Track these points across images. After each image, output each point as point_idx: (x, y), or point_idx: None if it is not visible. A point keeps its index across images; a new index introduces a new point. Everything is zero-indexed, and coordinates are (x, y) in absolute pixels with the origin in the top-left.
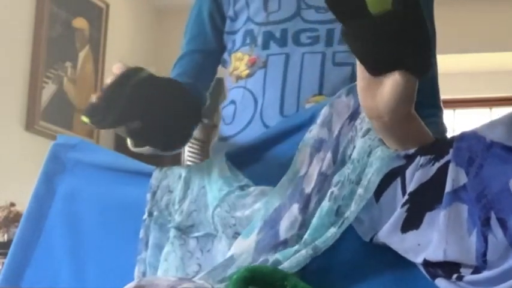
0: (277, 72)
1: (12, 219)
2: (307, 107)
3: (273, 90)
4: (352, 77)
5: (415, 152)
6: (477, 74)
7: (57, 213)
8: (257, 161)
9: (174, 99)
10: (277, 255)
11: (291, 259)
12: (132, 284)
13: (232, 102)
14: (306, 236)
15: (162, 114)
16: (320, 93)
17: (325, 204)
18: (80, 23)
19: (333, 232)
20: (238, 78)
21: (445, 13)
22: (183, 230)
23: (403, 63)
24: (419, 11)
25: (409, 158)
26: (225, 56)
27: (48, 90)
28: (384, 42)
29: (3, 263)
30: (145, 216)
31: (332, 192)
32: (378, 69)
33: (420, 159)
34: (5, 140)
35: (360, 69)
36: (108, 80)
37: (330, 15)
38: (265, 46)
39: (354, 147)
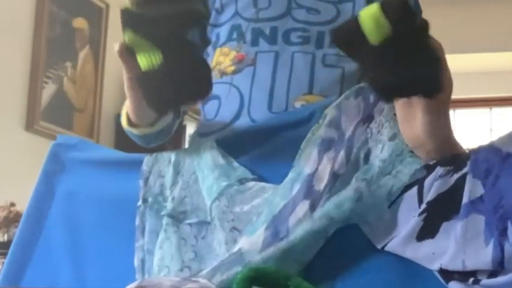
0: (267, 69)
1: (12, 219)
2: (297, 105)
3: (261, 87)
4: (342, 79)
5: (435, 163)
6: (477, 74)
7: (57, 213)
8: (249, 151)
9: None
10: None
11: (298, 230)
12: (134, 284)
13: (216, 97)
14: (316, 214)
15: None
16: (310, 93)
17: (345, 192)
18: (80, 23)
19: (348, 205)
20: (223, 73)
21: (445, 14)
22: (176, 217)
23: (412, 87)
24: (418, 31)
25: (429, 169)
26: (208, 49)
27: (48, 90)
28: (387, 69)
29: (3, 263)
30: (139, 202)
31: (356, 186)
32: (386, 97)
33: (439, 170)
34: (5, 140)
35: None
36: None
37: (321, 17)
38: (254, 43)
39: (369, 149)
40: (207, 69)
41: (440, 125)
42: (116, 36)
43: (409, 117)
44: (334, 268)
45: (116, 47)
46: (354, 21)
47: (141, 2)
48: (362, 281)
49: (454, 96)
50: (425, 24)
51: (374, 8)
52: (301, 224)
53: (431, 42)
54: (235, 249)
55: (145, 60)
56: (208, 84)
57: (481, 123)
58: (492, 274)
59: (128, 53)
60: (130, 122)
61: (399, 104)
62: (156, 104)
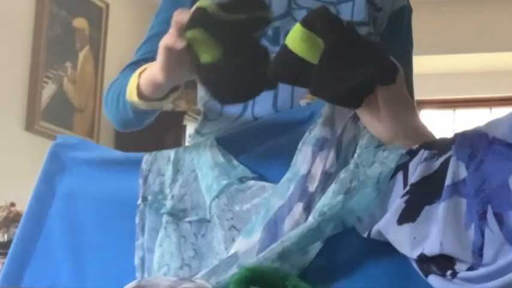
0: None
1: (12, 219)
2: (302, 103)
3: None
4: None
5: (419, 147)
6: (477, 74)
7: (57, 213)
8: (249, 150)
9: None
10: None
11: (293, 230)
12: (133, 283)
13: None
14: (309, 218)
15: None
16: None
17: (332, 187)
18: (80, 23)
19: (339, 199)
20: None
21: (445, 14)
22: (176, 215)
23: (370, 80)
24: (349, 31)
25: (413, 153)
26: None
27: (48, 90)
28: (340, 79)
29: (3, 263)
30: (139, 201)
31: (339, 176)
32: (353, 102)
33: (424, 153)
34: (5, 140)
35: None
36: None
37: None
38: None
39: (357, 145)
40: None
41: (403, 110)
42: (116, 36)
43: (373, 116)
44: (331, 268)
45: (179, 42)
46: (287, 51)
47: (220, 7)
48: (359, 281)
49: (454, 96)
50: (352, 24)
51: (299, 30)
52: (298, 225)
53: (362, 36)
54: (232, 252)
55: (207, 53)
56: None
57: (481, 123)
58: (471, 268)
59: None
60: (140, 95)
61: (360, 111)
62: (224, 96)
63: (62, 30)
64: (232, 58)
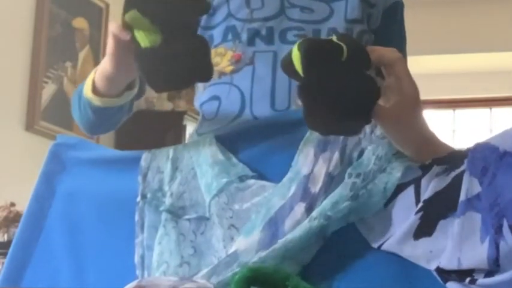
0: (266, 68)
1: (12, 219)
2: (299, 102)
3: (262, 86)
4: None
5: (432, 162)
6: (477, 74)
7: (57, 213)
8: (249, 148)
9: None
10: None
11: (296, 230)
12: (133, 283)
13: (216, 97)
14: (313, 214)
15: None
16: None
17: (340, 190)
18: (80, 23)
19: (345, 204)
20: (222, 74)
21: (445, 13)
22: (175, 212)
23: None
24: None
25: (425, 168)
26: None
27: (48, 90)
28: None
29: (3, 263)
30: (138, 198)
31: (351, 182)
32: (327, 131)
33: (436, 169)
34: (5, 140)
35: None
36: None
37: (315, 16)
38: (251, 43)
39: (362, 149)
40: (209, 54)
41: (409, 128)
42: None
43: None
44: (332, 267)
45: (113, 25)
46: (289, 56)
47: None
48: (359, 280)
49: (454, 96)
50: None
51: (296, 49)
52: (298, 225)
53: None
54: (231, 250)
55: (145, 38)
56: (209, 68)
57: (481, 123)
58: (488, 274)
59: (125, 31)
60: (95, 91)
61: (384, 126)
62: (157, 83)
63: (62, 30)
64: (168, 45)
